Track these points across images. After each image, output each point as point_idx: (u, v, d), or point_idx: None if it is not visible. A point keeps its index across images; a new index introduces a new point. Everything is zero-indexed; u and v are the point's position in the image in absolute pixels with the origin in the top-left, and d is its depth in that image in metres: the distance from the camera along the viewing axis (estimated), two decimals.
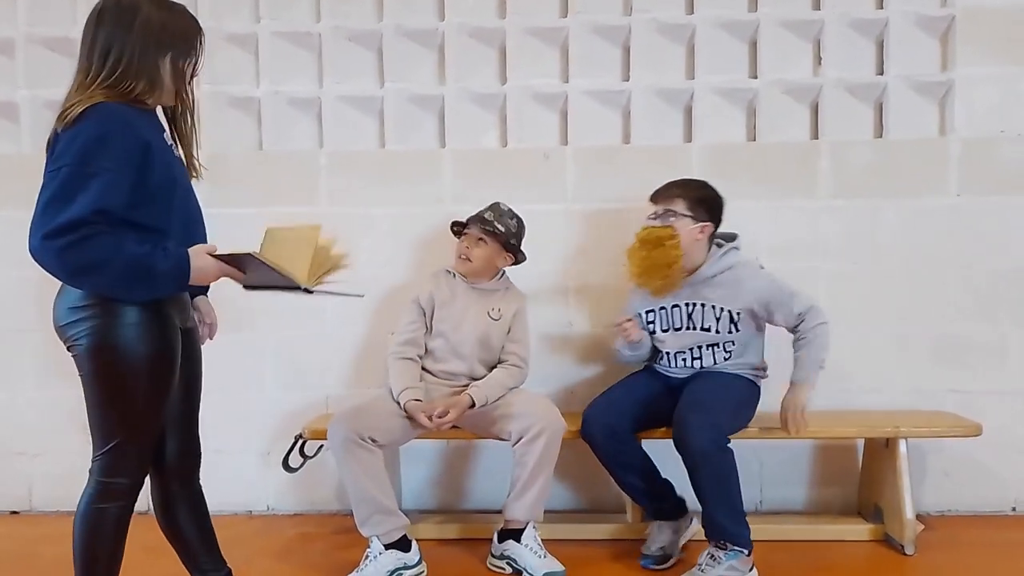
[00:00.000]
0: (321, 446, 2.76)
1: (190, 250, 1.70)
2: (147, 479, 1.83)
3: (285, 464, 2.67)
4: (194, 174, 1.87)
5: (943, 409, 2.89)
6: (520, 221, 2.67)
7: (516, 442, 2.44)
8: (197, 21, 1.81)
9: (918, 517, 2.62)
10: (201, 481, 1.96)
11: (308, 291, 1.73)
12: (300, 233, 1.73)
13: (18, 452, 3.09)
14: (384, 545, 2.38)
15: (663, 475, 2.56)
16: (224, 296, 1.99)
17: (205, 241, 1.85)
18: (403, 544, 2.41)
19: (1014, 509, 2.95)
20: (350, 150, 3.02)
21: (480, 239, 2.61)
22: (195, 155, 1.86)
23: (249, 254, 1.67)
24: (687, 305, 2.56)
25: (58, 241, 1.54)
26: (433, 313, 2.64)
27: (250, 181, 2.99)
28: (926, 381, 2.93)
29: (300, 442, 2.69)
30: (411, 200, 2.99)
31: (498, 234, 2.59)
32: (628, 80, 2.98)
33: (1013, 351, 2.92)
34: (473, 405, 2.48)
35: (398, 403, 2.50)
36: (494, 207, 2.65)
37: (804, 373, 2.47)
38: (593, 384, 2.91)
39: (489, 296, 2.66)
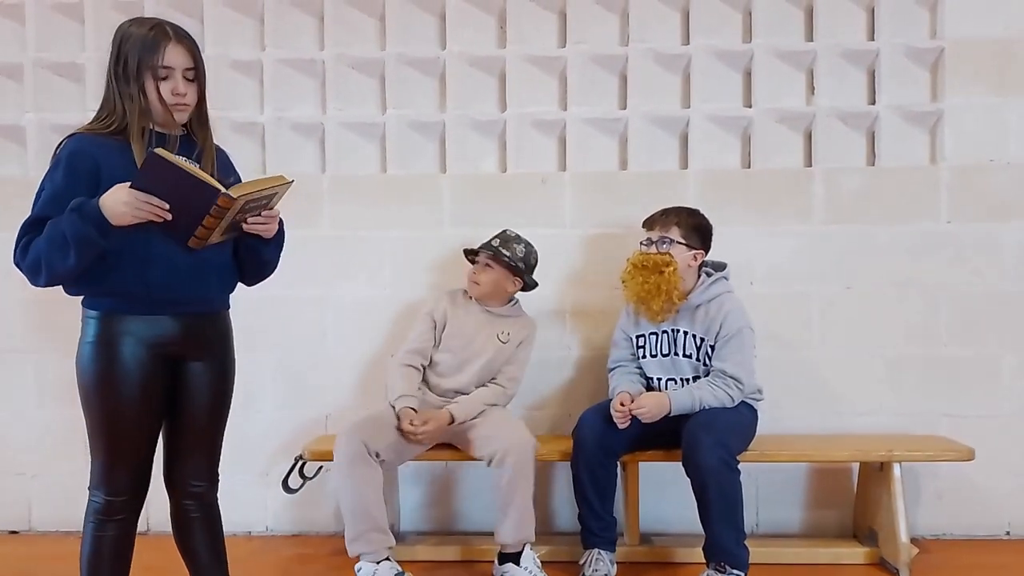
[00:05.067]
0: (321, 467, 2.78)
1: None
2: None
3: (284, 485, 2.68)
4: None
5: (936, 433, 2.92)
6: (528, 246, 2.72)
7: (489, 464, 2.49)
8: (133, 22, 1.78)
9: (913, 540, 2.63)
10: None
11: (229, 196, 1.67)
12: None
13: (17, 472, 3.10)
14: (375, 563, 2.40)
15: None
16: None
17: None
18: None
19: (1008, 532, 2.97)
20: (352, 175, 3.06)
21: (487, 264, 2.68)
22: (210, 172, 1.85)
23: (151, 151, 1.61)
24: (672, 331, 2.59)
25: (16, 254, 1.74)
26: (444, 328, 2.70)
27: None
28: (919, 405, 2.96)
29: (300, 463, 2.71)
30: (411, 224, 3.03)
31: (502, 259, 2.65)
32: (625, 108, 3.03)
33: (1004, 375, 2.95)
34: (452, 421, 2.53)
35: (393, 408, 2.54)
36: (502, 234, 2.72)
37: (678, 395, 2.47)
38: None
39: (501, 320, 2.72)
